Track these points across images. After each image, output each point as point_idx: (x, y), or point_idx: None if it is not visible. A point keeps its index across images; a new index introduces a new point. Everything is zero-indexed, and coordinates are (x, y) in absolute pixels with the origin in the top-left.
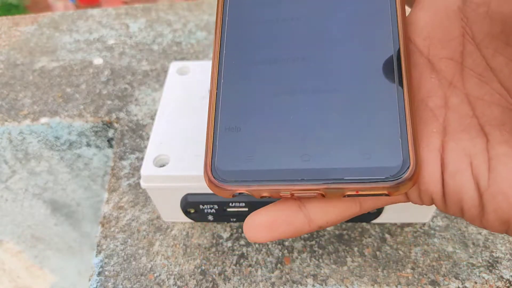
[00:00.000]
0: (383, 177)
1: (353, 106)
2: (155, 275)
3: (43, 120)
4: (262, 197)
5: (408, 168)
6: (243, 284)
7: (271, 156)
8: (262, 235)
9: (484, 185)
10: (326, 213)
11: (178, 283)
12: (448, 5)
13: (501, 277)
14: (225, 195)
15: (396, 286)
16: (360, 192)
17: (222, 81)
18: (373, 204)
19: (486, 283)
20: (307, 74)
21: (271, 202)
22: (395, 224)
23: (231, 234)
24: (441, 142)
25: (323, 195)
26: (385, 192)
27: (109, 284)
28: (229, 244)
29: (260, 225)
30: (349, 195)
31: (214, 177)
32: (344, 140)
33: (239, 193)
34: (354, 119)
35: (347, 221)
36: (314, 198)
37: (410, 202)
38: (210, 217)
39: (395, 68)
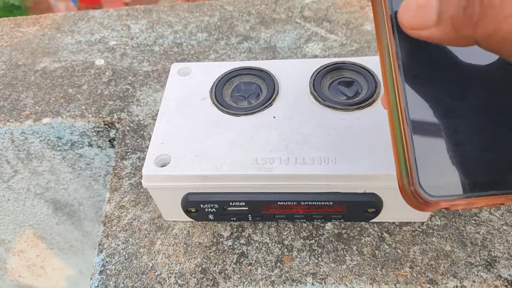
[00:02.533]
0: None
1: None
2: (156, 273)
3: (45, 120)
4: (455, 209)
5: None
6: (243, 283)
7: (466, 171)
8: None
9: None
10: None
11: (179, 281)
12: None
13: (499, 276)
14: (428, 210)
15: (395, 285)
16: None
17: (405, 91)
18: None
19: (484, 282)
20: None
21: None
22: (394, 223)
23: (232, 233)
24: None
25: (502, 204)
26: None
27: (111, 282)
28: (230, 243)
29: None
30: None
31: (421, 193)
32: None
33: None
34: None
35: (346, 221)
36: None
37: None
38: (211, 216)
39: None
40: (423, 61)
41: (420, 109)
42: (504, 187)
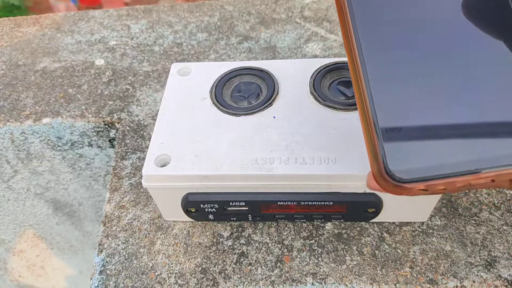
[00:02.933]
0: None
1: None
2: (156, 273)
3: (45, 120)
4: (437, 191)
5: None
6: (243, 283)
7: (442, 150)
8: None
9: None
10: None
11: (179, 281)
12: None
13: (499, 276)
14: (403, 193)
15: (395, 285)
16: None
17: (369, 80)
18: None
19: (484, 282)
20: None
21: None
22: (394, 223)
23: (232, 233)
24: None
25: (493, 181)
26: None
27: (111, 282)
28: (230, 243)
29: None
30: None
31: (391, 178)
32: (506, 130)
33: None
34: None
35: (346, 221)
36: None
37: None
38: (211, 216)
39: None
40: (387, 57)
41: (386, 98)
42: (491, 163)
